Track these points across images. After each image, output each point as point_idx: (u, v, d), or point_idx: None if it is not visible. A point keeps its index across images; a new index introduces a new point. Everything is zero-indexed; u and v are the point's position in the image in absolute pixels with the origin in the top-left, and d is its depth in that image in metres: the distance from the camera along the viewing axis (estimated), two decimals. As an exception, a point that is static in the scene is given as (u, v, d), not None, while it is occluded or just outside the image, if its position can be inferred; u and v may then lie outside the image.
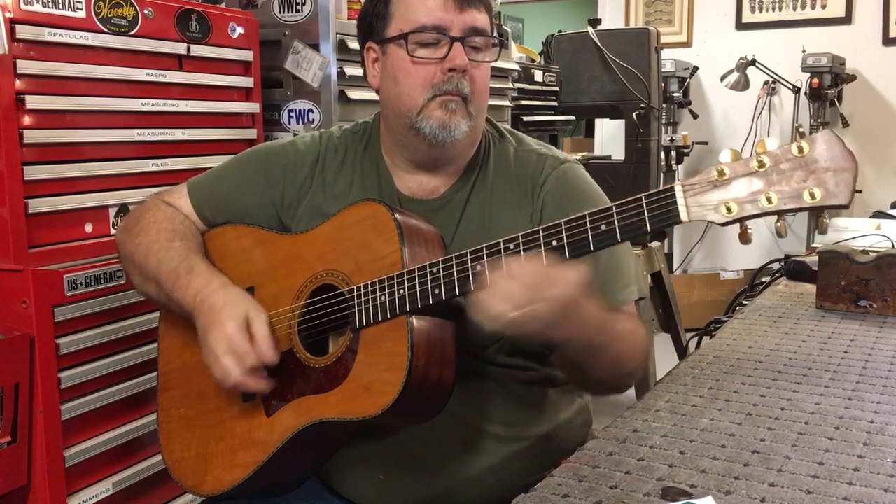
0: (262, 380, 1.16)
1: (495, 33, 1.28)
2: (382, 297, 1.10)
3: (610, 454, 1.04)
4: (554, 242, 0.99)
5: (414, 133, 1.24)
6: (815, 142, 0.89)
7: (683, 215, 0.94)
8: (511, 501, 0.94)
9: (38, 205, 1.51)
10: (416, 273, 1.08)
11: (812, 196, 0.89)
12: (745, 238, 0.96)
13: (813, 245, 2.33)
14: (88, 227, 1.63)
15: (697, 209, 0.93)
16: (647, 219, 0.95)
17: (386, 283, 1.10)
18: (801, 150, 0.89)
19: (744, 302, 2.06)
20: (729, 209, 0.92)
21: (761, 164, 0.91)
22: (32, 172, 1.50)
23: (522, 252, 1.01)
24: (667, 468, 0.99)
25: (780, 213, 0.92)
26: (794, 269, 2.03)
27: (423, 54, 1.22)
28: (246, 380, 1.14)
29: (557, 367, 1.23)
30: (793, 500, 0.91)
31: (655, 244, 3.55)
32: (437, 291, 1.06)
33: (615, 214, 0.96)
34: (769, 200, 0.90)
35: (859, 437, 1.07)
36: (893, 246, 2.00)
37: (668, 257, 5.13)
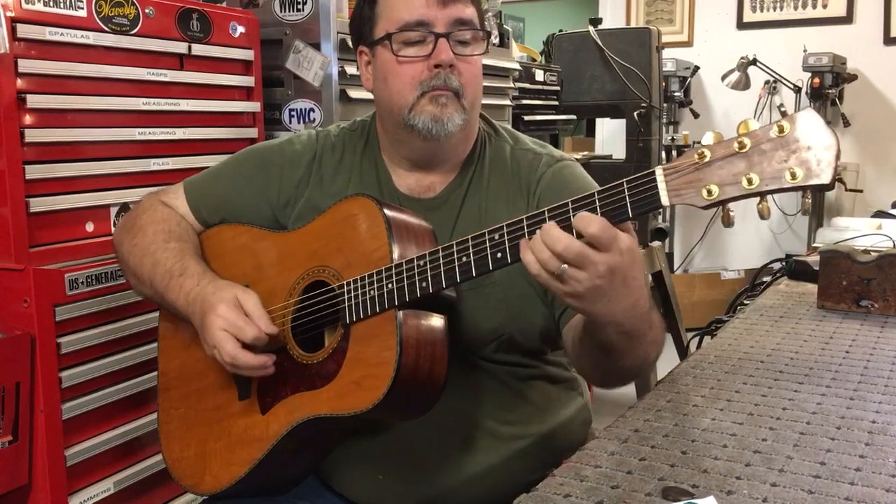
0: (260, 355, 1.15)
1: (485, 25, 1.28)
2: (371, 292, 1.10)
3: (611, 454, 1.04)
4: (537, 231, 0.99)
5: (408, 131, 1.24)
6: (796, 121, 0.87)
7: (664, 199, 0.92)
8: (512, 500, 0.94)
9: (39, 204, 1.51)
10: (404, 266, 1.08)
11: (793, 176, 0.87)
12: (727, 221, 0.94)
13: (814, 245, 2.33)
14: (89, 227, 1.63)
15: (678, 193, 0.91)
16: (628, 204, 0.93)
17: (375, 278, 1.10)
18: (781, 129, 0.87)
19: (745, 301, 2.06)
20: (710, 192, 0.90)
21: (742, 146, 0.89)
22: (33, 172, 1.50)
23: (507, 242, 1.01)
24: (668, 468, 0.99)
25: (762, 195, 0.90)
26: (795, 269, 2.03)
27: (409, 53, 1.22)
28: (240, 353, 1.13)
29: (587, 351, 1.15)
30: (794, 501, 0.91)
31: (656, 243, 3.55)
32: (424, 284, 1.06)
33: (597, 201, 0.95)
34: (750, 182, 0.88)
35: (861, 438, 1.07)
36: (895, 246, 2.00)
37: (669, 257, 5.13)
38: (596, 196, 0.95)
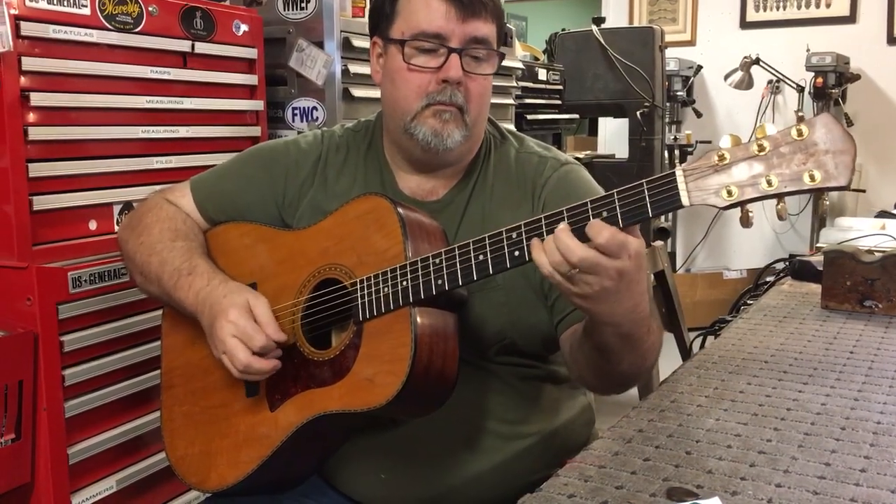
0: (270, 360, 1.15)
1: (501, 44, 1.27)
2: (385, 290, 1.10)
3: (616, 454, 1.04)
4: (553, 231, 0.99)
5: (408, 137, 1.24)
6: (814, 125, 0.90)
7: (685, 200, 0.93)
8: (516, 500, 0.94)
9: (42, 202, 1.51)
10: (420, 264, 1.08)
11: (812, 178, 0.89)
12: (746, 222, 0.96)
13: (817, 245, 2.32)
14: (93, 225, 1.63)
15: (698, 193, 0.93)
16: (648, 204, 0.94)
17: (389, 275, 1.10)
18: (800, 133, 0.90)
19: (748, 301, 2.06)
20: (730, 193, 0.92)
21: (761, 148, 0.91)
22: (37, 169, 1.50)
23: (525, 240, 1.01)
24: (673, 468, 0.99)
25: (780, 196, 0.92)
26: (798, 269, 2.03)
27: (420, 62, 1.21)
28: (254, 361, 1.13)
29: (584, 354, 1.15)
30: (799, 501, 0.91)
31: (658, 243, 3.55)
32: (440, 282, 1.06)
33: (616, 200, 0.96)
34: (769, 183, 0.90)
35: (866, 438, 1.07)
36: (898, 246, 1.99)
37: (672, 256, 5.12)
38: (615, 196, 0.96)
